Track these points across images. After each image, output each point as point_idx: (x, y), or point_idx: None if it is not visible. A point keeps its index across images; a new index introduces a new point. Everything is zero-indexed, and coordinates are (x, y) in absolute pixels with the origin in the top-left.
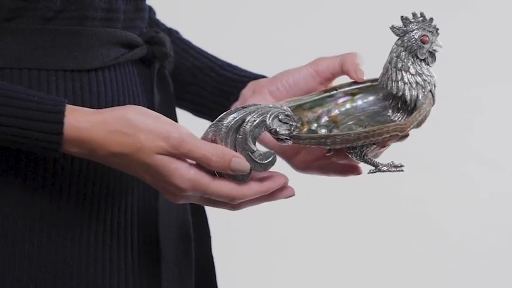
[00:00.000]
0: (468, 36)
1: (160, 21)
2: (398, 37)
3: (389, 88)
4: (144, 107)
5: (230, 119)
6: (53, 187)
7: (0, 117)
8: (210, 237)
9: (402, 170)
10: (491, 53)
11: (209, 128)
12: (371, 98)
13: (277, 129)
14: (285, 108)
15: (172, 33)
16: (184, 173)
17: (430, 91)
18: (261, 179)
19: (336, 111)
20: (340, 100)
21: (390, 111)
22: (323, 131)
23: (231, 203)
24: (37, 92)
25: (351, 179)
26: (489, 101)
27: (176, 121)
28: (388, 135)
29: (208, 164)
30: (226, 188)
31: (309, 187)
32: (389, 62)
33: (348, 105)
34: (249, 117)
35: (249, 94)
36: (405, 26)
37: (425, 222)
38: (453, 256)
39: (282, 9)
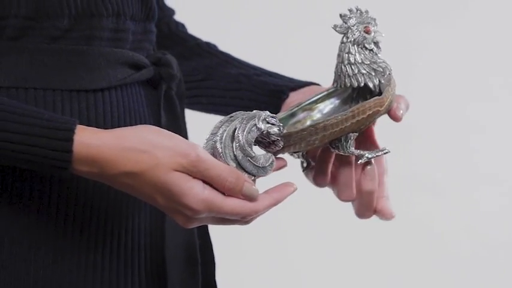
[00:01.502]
0: (474, 55)
1: (194, 35)
2: (342, 35)
3: (348, 84)
4: None
5: (221, 132)
6: (59, 211)
7: (9, 133)
8: (214, 262)
9: (388, 152)
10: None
11: (204, 146)
12: (330, 106)
13: (269, 131)
14: (267, 112)
15: (211, 47)
16: (199, 192)
17: (389, 74)
18: (270, 191)
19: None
20: (301, 116)
21: None
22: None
23: (243, 220)
24: (47, 111)
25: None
26: (492, 119)
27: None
28: (371, 112)
29: (222, 184)
30: (239, 206)
31: (313, 201)
32: (341, 61)
33: (309, 121)
34: (240, 125)
35: (298, 96)
36: (346, 23)
37: (430, 236)
38: (457, 269)
39: (283, 10)
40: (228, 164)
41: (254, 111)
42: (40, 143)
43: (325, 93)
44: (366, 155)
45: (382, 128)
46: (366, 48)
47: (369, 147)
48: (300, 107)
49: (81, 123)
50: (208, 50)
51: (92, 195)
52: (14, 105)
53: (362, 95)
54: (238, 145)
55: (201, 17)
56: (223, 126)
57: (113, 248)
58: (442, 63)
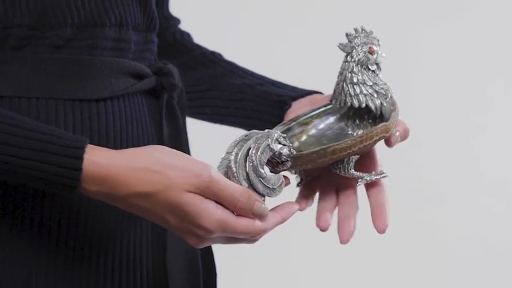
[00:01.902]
0: (475, 62)
1: (199, 44)
2: (346, 54)
3: (349, 104)
4: (152, 138)
5: (236, 151)
6: (60, 229)
7: (18, 149)
8: (215, 271)
9: (386, 175)
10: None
11: (219, 165)
12: (326, 123)
13: (281, 152)
14: (279, 132)
15: (216, 56)
16: (213, 212)
17: (391, 97)
18: (276, 210)
19: (296, 144)
20: (297, 131)
21: (350, 130)
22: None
23: (252, 238)
24: (58, 129)
25: (362, 209)
26: (495, 124)
27: (188, 152)
28: (378, 138)
29: (234, 205)
30: (251, 226)
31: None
32: (344, 79)
33: (304, 136)
34: (254, 145)
35: (301, 105)
36: (351, 42)
37: (435, 243)
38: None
39: (280, 11)
40: (240, 184)
41: (266, 130)
42: (50, 160)
43: (323, 109)
44: (365, 177)
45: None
46: (369, 69)
47: (369, 166)
48: (296, 121)
49: (83, 133)
50: (213, 60)
51: (94, 208)
52: (24, 121)
53: (358, 114)
54: (252, 165)
55: (204, 24)
56: (238, 146)
57: (115, 260)
58: (444, 70)
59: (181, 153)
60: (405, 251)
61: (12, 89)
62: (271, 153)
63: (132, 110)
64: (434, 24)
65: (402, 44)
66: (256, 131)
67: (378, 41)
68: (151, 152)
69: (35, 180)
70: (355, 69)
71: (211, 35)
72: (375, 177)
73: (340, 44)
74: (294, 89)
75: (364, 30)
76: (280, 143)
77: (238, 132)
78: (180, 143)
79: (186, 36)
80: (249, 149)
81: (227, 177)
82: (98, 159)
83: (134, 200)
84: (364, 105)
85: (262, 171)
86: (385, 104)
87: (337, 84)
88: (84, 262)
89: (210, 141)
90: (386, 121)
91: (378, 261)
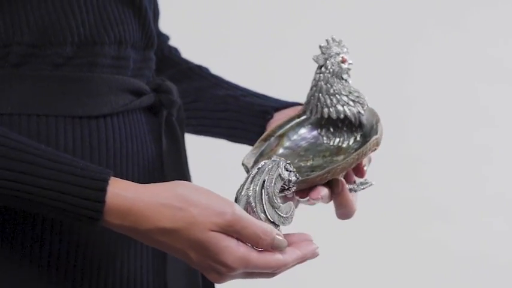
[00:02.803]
0: (486, 83)
1: (187, 59)
2: (320, 65)
3: (327, 115)
4: (152, 154)
5: (253, 187)
6: (60, 259)
7: (42, 179)
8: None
9: (372, 184)
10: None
11: (239, 202)
12: (298, 133)
13: (290, 179)
14: (283, 158)
15: (203, 70)
16: (234, 250)
17: (367, 105)
18: (296, 246)
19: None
20: (274, 144)
21: (325, 138)
22: None
23: (273, 272)
24: (82, 161)
25: (368, 226)
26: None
27: (187, 167)
28: (370, 151)
29: (257, 242)
30: (273, 261)
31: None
32: (319, 90)
33: (281, 150)
34: (267, 177)
35: (283, 115)
36: (324, 53)
37: (442, 261)
38: None
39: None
40: (260, 218)
41: (273, 158)
42: (73, 191)
43: (297, 120)
44: (354, 189)
45: (393, 157)
46: (342, 78)
47: (356, 174)
48: (274, 135)
49: (83, 150)
50: (199, 73)
51: (94, 242)
52: (49, 151)
53: (332, 122)
54: (268, 197)
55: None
56: (254, 181)
57: (116, 272)
58: (451, 90)
59: (205, 189)
60: (410, 268)
61: (12, 106)
62: (282, 182)
63: (132, 127)
64: (437, 50)
65: (404, 64)
66: (267, 161)
67: (348, 49)
68: (175, 188)
69: (56, 211)
70: (330, 80)
71: (204, 42)
72: (363, 187)
73: (314, 56)
74: (276, 100)
75: (335, 40)
76: (287, 170)
77: (227, 144)
78: (180, 159)
79: (173, 51)
80: (264, 181)
81: (247, 212)
82: (122, 192)
83: (156, 235)
84: (342, 115)
85: (277, 201)
86: (362, 112)
87: (312, 95)
88: (85, 279)
89: (206, 154)
90: (368, 130)
91: (382, 278)
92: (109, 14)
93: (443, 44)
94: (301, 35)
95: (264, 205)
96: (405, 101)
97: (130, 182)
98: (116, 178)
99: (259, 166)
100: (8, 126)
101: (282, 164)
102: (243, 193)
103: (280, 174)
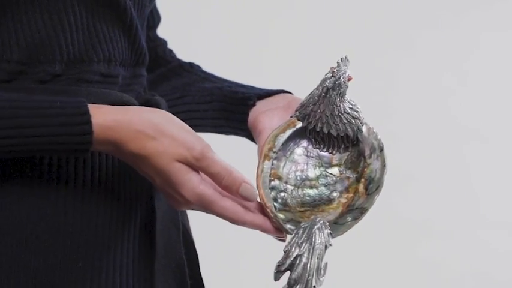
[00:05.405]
0: (479, 100)
1: (180, 59)
2: (327, 88)
3: (326, 132)
4: None
5: (310, 266)
6: (51, 235)
7: (29, 129)
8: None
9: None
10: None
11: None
12: (287, 143)
13: (330, 243)
14: (321, 220)
15: (194, 67)
16: (195, 186)
17: (365, 123)
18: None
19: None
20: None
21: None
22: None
23: (231, 222)
24: (55, 97)
25: (361, 244)
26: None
27: None
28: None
29: (220, 181)
30: (231, 210)
31: None
32: (322, 110)
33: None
34: (319, 251)
35: (271, 106)
36: (335, 76)
37: (437, 279)
38: None
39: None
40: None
41: (315, 228)
42: (60, 132)
43: (288, 134)
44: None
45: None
46: (345, 94)
47: None
48: (272, 155)
49: (71, 161)
50: (188, 70)
51: (78, 255)
52: (24, 99)
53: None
54: (323, 273)
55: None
56: (310, 262)
57: (101, 274)
58: (439, 105)
59: (182, 123)
60: (405, 286)
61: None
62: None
63: None
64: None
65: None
66: (304, 226)
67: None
68: (152, 117)
69: (48, 151)
70: (337, 101)
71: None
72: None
73: (328, 82)
74: (261, 89)
75: (343, 59)
76: (326, 228)
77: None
78: None
79: (168, 51)
80: (317, 259)
81: None
82: (104, 122)
83: (131, 158)
84: (343, 134)
85: (324, 273)
86: (361, 128)
87: (314, 111)
88: (71, 276)
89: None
90: (363, 148)
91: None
92: (98, 32)
93: (435, 60)
94: (291, 36)
95: (320, 279)
96: (395, 116)
97: (109, 109)
98: (93, 105)
99: (310, 240)
100: None
101: (324, 230)
102: (296, 270)
103: (326, 246)
